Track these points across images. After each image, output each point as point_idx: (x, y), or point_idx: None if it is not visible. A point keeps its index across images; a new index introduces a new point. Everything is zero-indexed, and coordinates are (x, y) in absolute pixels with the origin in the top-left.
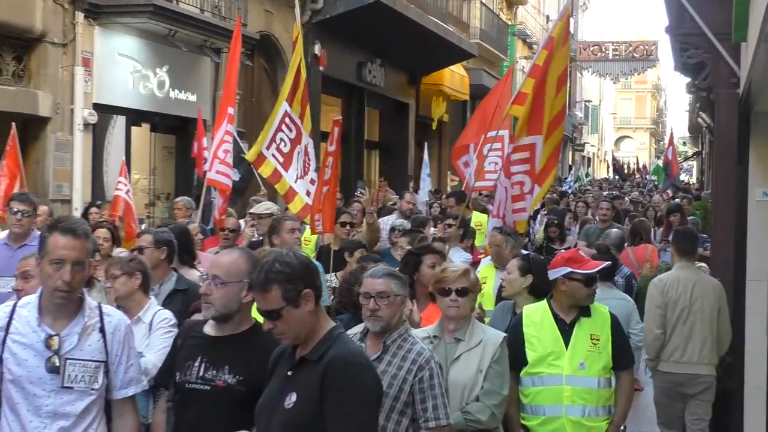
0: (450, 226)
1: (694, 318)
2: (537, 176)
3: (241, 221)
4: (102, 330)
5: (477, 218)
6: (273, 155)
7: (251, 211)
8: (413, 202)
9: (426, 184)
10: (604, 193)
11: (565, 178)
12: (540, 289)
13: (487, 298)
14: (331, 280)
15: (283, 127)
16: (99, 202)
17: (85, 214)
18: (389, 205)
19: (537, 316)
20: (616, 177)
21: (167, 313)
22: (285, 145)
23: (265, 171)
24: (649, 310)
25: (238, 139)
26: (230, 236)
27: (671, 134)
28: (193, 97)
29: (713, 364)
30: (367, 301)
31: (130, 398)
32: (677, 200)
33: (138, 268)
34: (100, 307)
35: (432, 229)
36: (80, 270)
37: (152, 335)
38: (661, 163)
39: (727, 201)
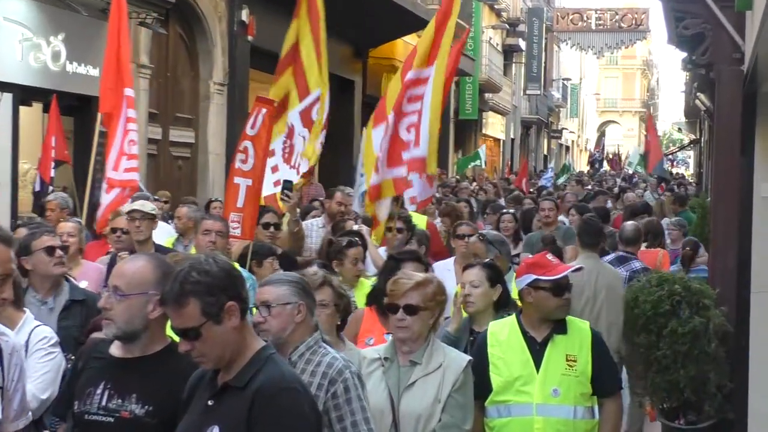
0: (398, 230)
1: (600, 307)
2: (422, 123)
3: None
4: None
5: (414, 220)
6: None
7: (132, 207)
8: (346, 202)
9: (360, 185)
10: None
11: (542, 171)
12: (504, 300)
13: None
14: None
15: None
16: None
17: None
18: (309, 203)
19: (504, 334)
20: (603, 169)
21: (46, 331)
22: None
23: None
24: None
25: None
26: (124, 238)
27: (650, 115)
28: (95, 71)
29: (616, 353)
30: (263, 312)
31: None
32: (662, 197)
33: None
34: None
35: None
36: None
37: (29, 359)
38: (642, 151)
39: (728, 198)
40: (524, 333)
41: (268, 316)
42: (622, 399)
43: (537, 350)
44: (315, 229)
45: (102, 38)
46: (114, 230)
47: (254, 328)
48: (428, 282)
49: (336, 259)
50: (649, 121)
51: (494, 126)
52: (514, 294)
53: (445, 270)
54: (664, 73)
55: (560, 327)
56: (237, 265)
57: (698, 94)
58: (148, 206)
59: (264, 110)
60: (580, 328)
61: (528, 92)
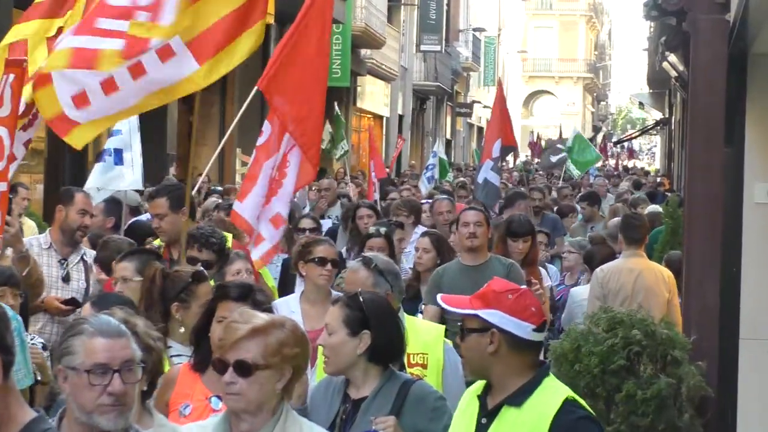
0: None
1: (638, 308)
2: None
3: None
4: None
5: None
6: None
7: None
8: (91, 210)
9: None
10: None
11: (429, 166)
12: (386, 351)
13: None
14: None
15: None
16: None
17: None
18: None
19: (467, 396)
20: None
21: None
22: None
23: None
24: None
25: None
26: None
27: (500, 81)
28: None
29: None
30: (100, 379)
31: None
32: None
33: None
34: None
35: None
36: None
37: None
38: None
39: (708, 205)
40: (481, 397)
41: (130, 383)
42: None
43: (482, 425)
44: (36, 251)
45: None
46: None
47: None
48: (273, 327)
49: (178, 301)
50: (498, 88)
51: (374, 97)
52: None
53: (287, 310)
54: (618, 23)
55: (519, 395)
56: None
57: (667, 53)
58: None
59: (12, 76)
60: (545, 400)
61: (423, 48)
